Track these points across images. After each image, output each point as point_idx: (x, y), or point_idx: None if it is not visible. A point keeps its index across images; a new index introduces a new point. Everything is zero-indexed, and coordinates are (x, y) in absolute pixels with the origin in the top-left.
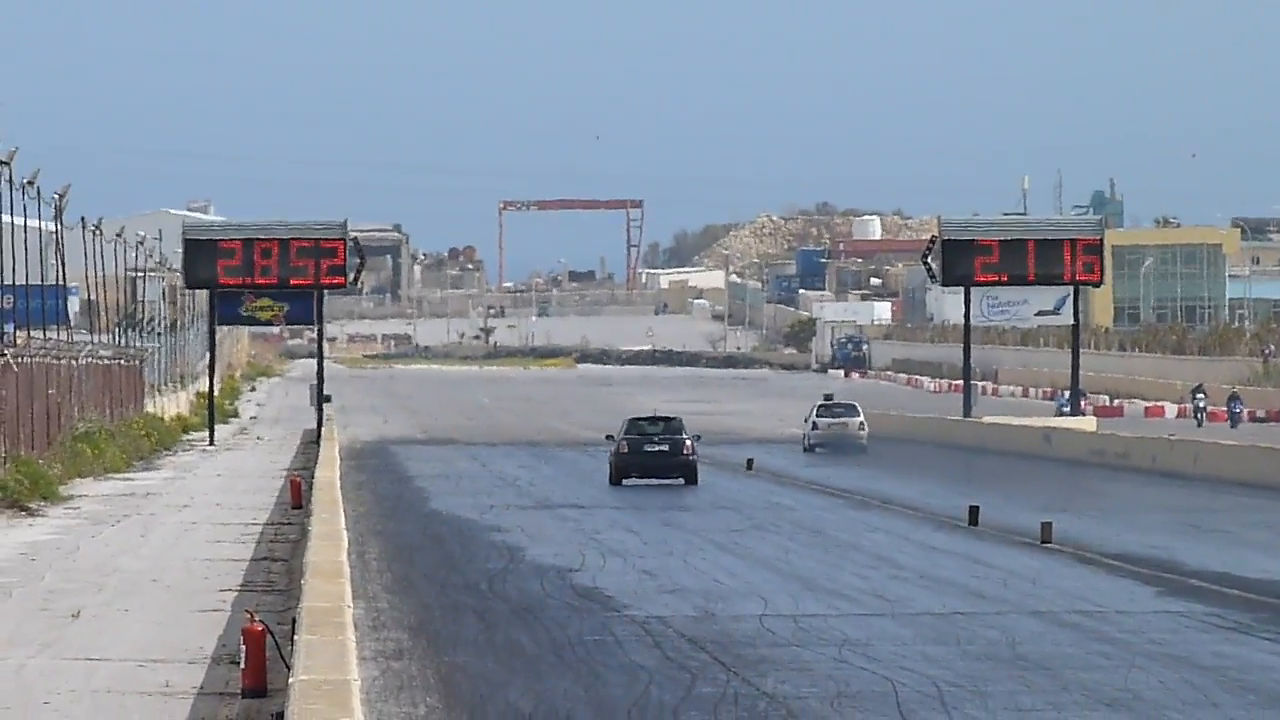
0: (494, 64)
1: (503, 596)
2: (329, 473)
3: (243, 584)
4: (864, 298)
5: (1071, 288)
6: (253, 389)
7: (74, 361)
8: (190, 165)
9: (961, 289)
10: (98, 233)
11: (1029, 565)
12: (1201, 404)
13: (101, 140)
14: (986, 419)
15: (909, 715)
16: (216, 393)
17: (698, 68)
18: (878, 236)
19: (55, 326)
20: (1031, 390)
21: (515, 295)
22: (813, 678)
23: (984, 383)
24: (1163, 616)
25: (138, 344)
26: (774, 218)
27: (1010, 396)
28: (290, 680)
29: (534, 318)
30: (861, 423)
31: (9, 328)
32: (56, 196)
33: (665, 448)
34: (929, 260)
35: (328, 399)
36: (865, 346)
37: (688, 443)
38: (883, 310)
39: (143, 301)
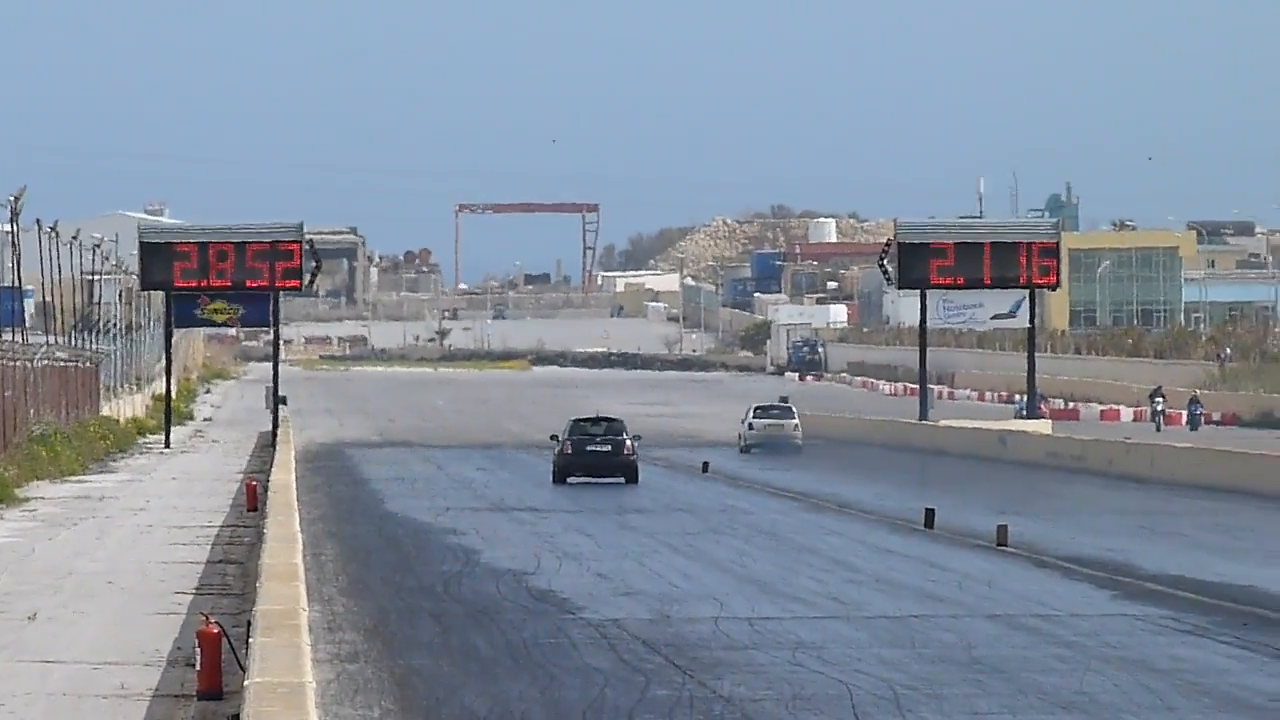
0: (450, 67)
1: (458, 599)
2: (284, 475)
3: (198, 586)
4: (820, 301)
5: (1028, 291)
6: (208, 391)
7: (30, 364)
8: (146, 167)
9: (917, 292)
10: (54, 235)
11: (984, 568)
12: (1160, 407)
13: (56, 142)
14: (942, 422)
15: (864, 718)
16: (173, 395)
17: (654, 72)
18: (833, 239)
19: (11, 329)
20: (988, 394)
21: (471, 298)
22: (768, 680)
23: (940, 386)
24: (1118, 620)
25: (94, 346)
26: (729, 221)
27: (966, 400)
28: (246, 683)
29: (490, 320)
30: (796, 424)
31: None
32: (12, 199)
33: (607, 448)
34: (885, 263)
35: (283, 401)
36: (821, 349)
37: (628, 443)
38: (839, 313)
39: (99, 304)
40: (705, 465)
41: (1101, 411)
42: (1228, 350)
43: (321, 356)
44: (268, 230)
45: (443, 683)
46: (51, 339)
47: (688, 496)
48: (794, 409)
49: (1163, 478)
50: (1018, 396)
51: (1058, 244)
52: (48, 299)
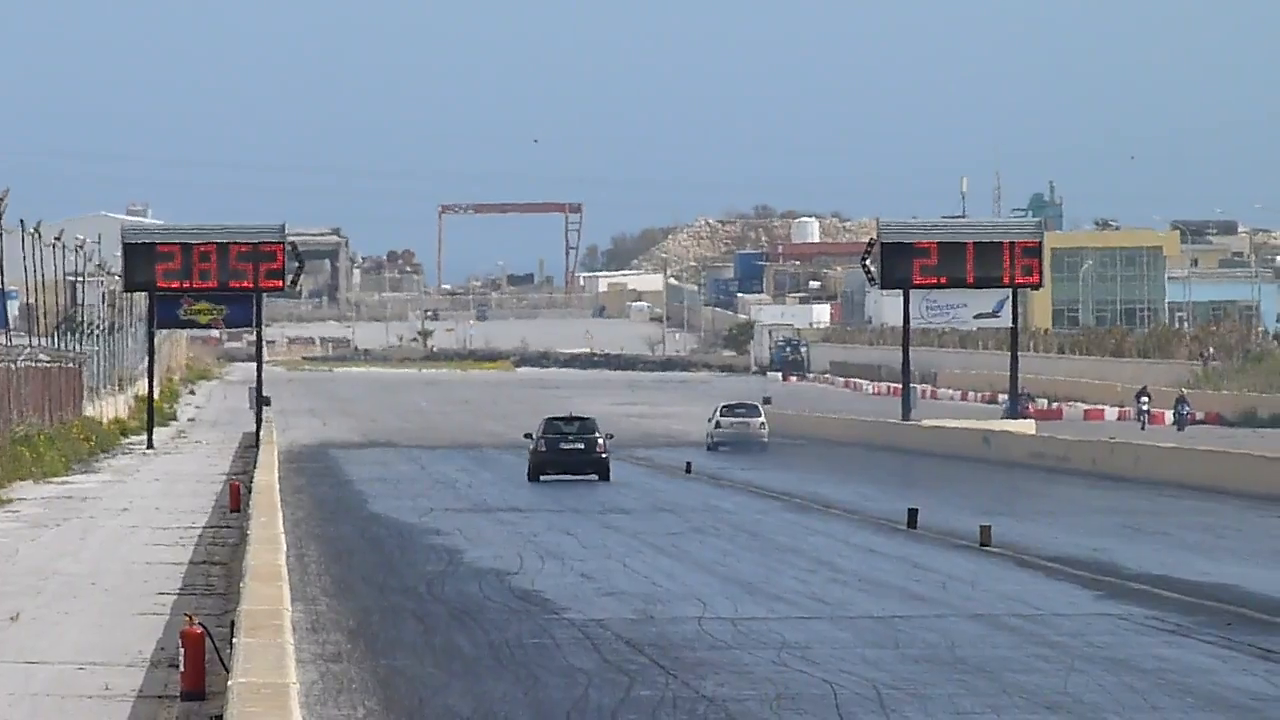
0: (433, 68)
1: (441, 599)
2: (268, 476)
3: (182, 587)
4: (803, 300)
5: (1010, 290)
6: (191, 392)
7: (12, 365)
8: (129, 168)
9: (900, 292)
10: (36, 236)
11: (968, 568)
12: (1145, 407)
13: (39, 143)
14: (925, 422)
15: (848, 718)
16: (156, 396)
17: (636, 72)
18: (816, 239)
19: None
20: (971, 393)
21: (454, 298)
22: (752, 680)
23: (923, 385)
24: (1102, 619)
25: (77, 347)
26: (712, 221)
27: (949, 399)
28: (229, 683)
29: (473, 321)
30: (762, 422)
31: None
32: None
33: (580, 446)
34: (868, 263)
35: (267, 402)
36: (804, 349)
37: (600, 441)
38: (821, 313)
39: (82, 305)
40: (689, 465)
41: (1085, 411)
42: (1211, 349)
43: (305, 357)
44: (251, 231)
45: (426, 683)
46: (35, 340)
47: (671, 496)
48: (760, 408)
49: (1147, 477)
50: (1001, 396)
51: (1040, 243)
52: (31, 300)
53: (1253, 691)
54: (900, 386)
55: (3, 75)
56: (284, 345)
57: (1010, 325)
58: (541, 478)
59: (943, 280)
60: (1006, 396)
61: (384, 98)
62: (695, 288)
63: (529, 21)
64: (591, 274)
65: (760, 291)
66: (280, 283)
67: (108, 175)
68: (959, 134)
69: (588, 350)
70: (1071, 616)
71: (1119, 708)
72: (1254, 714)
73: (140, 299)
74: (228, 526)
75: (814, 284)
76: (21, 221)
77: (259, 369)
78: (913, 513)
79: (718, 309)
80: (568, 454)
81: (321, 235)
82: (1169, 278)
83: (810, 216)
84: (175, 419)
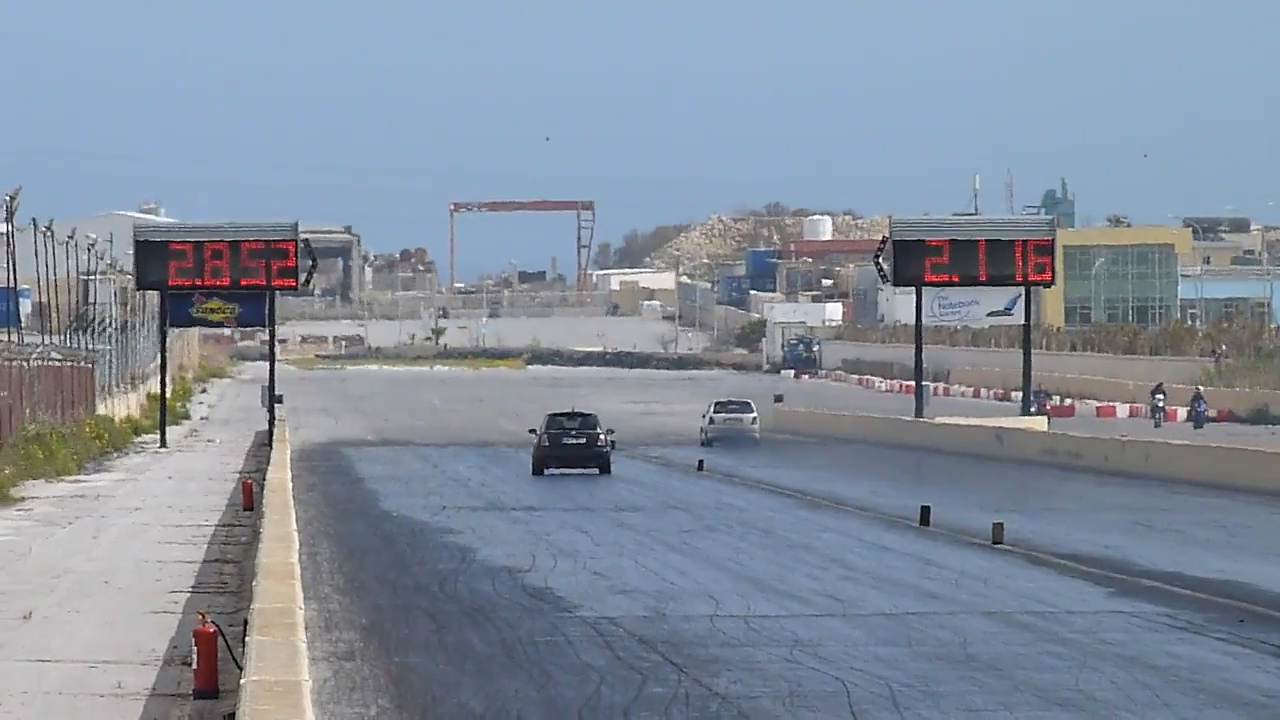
0: (444, 66)
1: (454, 597)
2: (281, 474)
3: (194, 585)
4: (815, 298)
5: (1023, 288)
6: (204, 390)
7: (25, 363)
8: (141, 167)
9: (913, 289)
10: (49, 235)
11: (980, 565)
12: (1160, 404)
13: (51, 142)
14: (938, 419)
15: (861, 715)
16: (168, 394)
17: (648, 70)
18: (828, 237)
19: (6, 329)
20: (983, 391)
21: (466, 296)
22: (764, 678)
23: (936, 383)
24: (1114, 616)
25: (89, 346)
26: (724, 218)
27: (961, 397)
28: (242, 681)
29: (485, 319)
30: (754, 418)
31: None
32: (7, 199)
33: (582, 440)
34: (880, 260)
35: (279, 400)
36: (816, 347)
37: (602, 436)
38: (834, 311)
39: (94, 303)
40: (700, 463)
41: (1098, 408)
42: (1223, 346)
43: (317, 355)
44: (263, 229)
45: (438, 681)
46: (47, 339)
47: (683, 494)
48: (751, 404)
49: (1159, 474)
50: (1014, 394)
51: (1053, 241)
52: (43, 299)
53: (1265, 689)
54: (912, 384)
55: (15, 75)
56: (296, 344)
57: (1023, 323)
58: (545, 471)
59: (955, 278)
60: (1020, 393)
61: (396, 96)
62: (708, 286)
63: (541, 20)
64: (604, 272)
65: (773, 289)
66: (293, 281)
67: (120, 174)
68: (971, 131)
69: (600, 348)
70: (1083, 614)
71: (1131, 705)
72: (1266, 711)
73: (152, 297)
74: (240, 525)
75: (826, 282)
76: (34, 220)
77: (271, 367)
78: (925, 510)
79: (730, 307)
80: (570, 448)
81: (334, 233)
82: (1181, 275)
83: (822, 214)
84: (188, 417)
